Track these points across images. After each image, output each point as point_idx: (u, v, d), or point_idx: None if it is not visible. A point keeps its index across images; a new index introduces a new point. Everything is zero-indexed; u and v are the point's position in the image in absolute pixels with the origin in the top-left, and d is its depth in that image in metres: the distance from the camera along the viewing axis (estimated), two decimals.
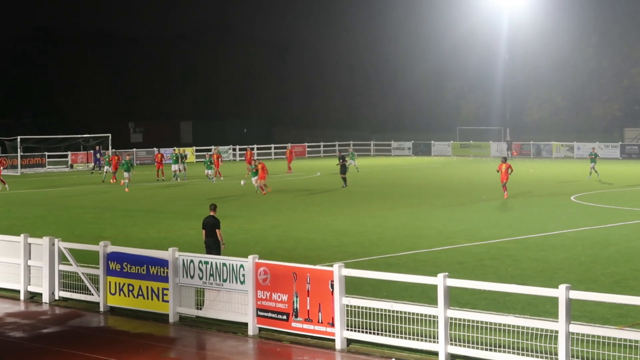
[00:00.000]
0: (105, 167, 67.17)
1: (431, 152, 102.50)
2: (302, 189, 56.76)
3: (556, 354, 15.76)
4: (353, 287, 18.98)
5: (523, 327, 16.39)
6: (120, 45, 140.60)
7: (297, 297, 18.75)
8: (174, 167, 66.44)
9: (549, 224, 36.67)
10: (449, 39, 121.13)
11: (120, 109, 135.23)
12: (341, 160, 57.49)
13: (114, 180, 63.33)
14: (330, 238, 33.19)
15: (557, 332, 15.78)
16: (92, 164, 79.13)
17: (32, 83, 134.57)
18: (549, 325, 16.03)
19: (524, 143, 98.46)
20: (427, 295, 18.98)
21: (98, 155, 78.39)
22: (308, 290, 18.62)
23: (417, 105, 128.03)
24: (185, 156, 69.50)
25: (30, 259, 23.60)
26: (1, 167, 60.13)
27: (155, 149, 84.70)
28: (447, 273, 17.39)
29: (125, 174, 57.25)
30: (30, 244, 23.70)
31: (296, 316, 18.76)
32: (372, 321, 17.90)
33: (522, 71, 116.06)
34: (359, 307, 18.07)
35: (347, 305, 18.18)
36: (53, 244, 23.20)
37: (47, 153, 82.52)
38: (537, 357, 16.00)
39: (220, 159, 66.66)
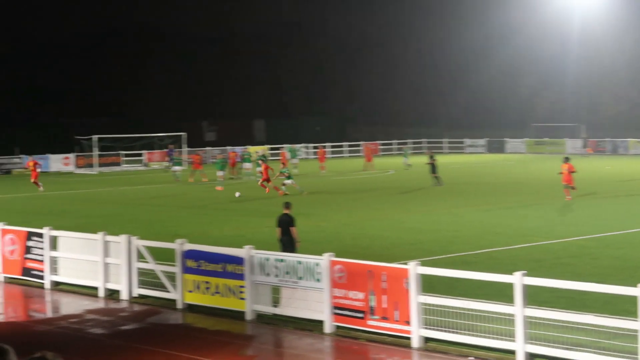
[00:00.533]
0: (175, 167, 66.30)
1: (505, 149, 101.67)
2: (376, 186, 56.65)
3: (636, 354, 15.53)
4: (429, 285, 18.90)
5: (602, 326, 16.18)
6: (194, 44, 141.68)
7: (372, 295, 18.73)
8: (247, 165, 66.63)
9: (628, 221, 36.13)
10: (521, 35, 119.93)
11: (194, 108, 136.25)
12: (431, 159, 56.34)
13: (192, 180, 63.23)
14: (405, 236, 33.10)
15: (636, 331, 15.56)
16: (168, 162, 79.74)
17: (108, 83, 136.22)
18: (628, 324, 15.81)
19: (600, 140, 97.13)
20: (504, 293, 18.82)
21: (172, 154, 79.09)
22: (384, 289, 18.58)
23: (490, 102, 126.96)
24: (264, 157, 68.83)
25: (108, 256, 23.91)
26: (37, 170, 59.10)
27: (229, 147, 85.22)
28: (524, 271, 17.24)
29: (219, 173, 57.05)
30: (108, 241, 24.01)
31: (372, 314, 18.74)
32: (448, 319, 17.81)
33: (597, 67, 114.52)
34: (435, 305, 18.00)
35: (423, 304, 18.11)
36: (130, 242, 23.48)
37: (122, 152, 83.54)
38: (616, 356, 15.78)
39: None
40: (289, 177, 52.30)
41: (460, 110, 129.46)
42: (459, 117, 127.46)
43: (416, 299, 18.07)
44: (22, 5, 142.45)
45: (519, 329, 16.81)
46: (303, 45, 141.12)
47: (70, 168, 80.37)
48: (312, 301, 19.78)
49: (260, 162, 53.85)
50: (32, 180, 58.03)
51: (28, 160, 64.58)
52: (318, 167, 71.53)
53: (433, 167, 55.52)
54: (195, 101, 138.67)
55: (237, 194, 50.27)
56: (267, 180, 51.88)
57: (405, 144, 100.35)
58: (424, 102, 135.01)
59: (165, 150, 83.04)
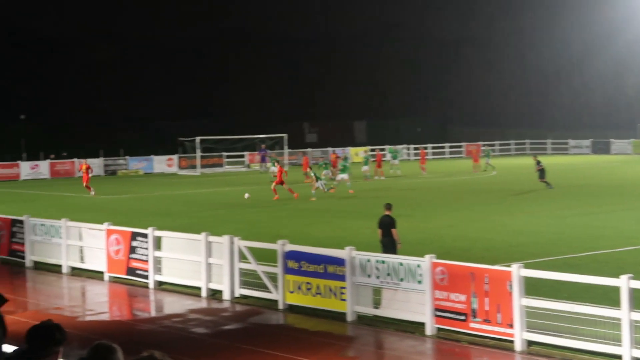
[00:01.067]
0: (273, 168, 66.58)
1: (610, 150, 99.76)
2: (478, 188, 56.18)
3: None
4: (532, 287, 18.64)
5: None
6: (295, 46, 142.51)
7: (475, 297, 18.56)
8: (364, 167, 66.57)
9: None
10: (628, 33, 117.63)
11: (296, 109, 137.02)
12: (538, 165, 55.06)
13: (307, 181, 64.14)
14: (507, 238, 32.74)
15: None
16: (263, 163, 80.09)
17: (211, 84, 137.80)
18: None
19: None
20: (608, 297, 18.47)
21: (263, 154, 79.52)
22: (486, 291, 18.40)
23: (595, 102, 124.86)
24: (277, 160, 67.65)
25: (211, 257, 24.14)
26: (90, 174, 57.57)
27: (329, 148, 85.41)
28: (631, 274, 16.89)
29: (345, 176, 55.74)
30: (210, 242, 24.25)
31: (474, 316, 18.57)
32: (552, 323, 17.54)
33: None
34: (538, 308, 17.74)
35: (527, 306, 17.87)
36: (233, 243, 23.67)
37: (224, 153, 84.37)
38: None
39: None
40: (317, 179, 52.12)
41: (564, 110, 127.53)
42: (563, 118, 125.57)
43: (519, 302, 17.84)
44: (124, 9, 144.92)
45: (626, 333, 16.46)
46: (403, 45, 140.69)
47: (174, 169, 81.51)
48: (414, 303, 19.69)
49: (275, 163, 52.10)
50: (84, 184, 56.82)
51: (81, 164, 63.26)
52: (419, 168, 71.30)
53: (542, 173, 54.32)
54: (296, 103, 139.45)
55: (246, 196, 49.81)
56: (281, 183, 50.51)
57: (492, 145, 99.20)
58: (526, 103, 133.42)
59: (264, 151, 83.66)
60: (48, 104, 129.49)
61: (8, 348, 9.84)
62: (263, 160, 78.82)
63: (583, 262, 26.68)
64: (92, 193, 55.82)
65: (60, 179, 74.41)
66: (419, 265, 19.59)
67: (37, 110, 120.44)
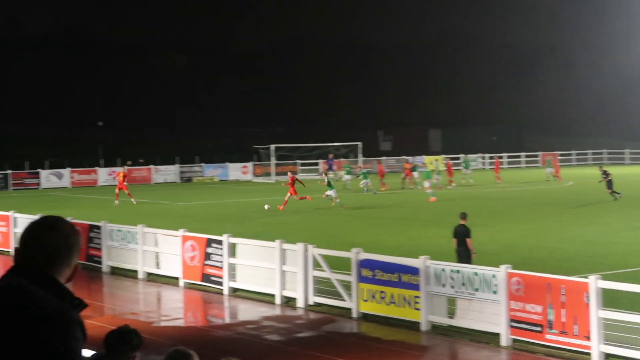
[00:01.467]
0: (346, 176, 67.58)
1: None
2: (554, 198, 55.52)
3: None
4: (609, 299, 18.33)
5: None
6: (369, 54, 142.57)
7: (551, 308, 18.32)
8: (415, 174, 66.38)
9: None
10: None
11: (371, 117, 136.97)
12: (605, 176, 54.06)
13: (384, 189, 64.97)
14: (584, 248, 32.28)
15: None
16: (327, 171, 79.84)
17: (285, 92, 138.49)
18: None
19: None
20: None
21: (331, 163, 79.46)
22: (562, 302, 18.15)
23: None
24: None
25: (285, 264, 24.19)
26: (124, 181, 56.02)
27: (404, 157, 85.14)
28: None
29: (426, 183, 56.25)
30: (285, 249, 24.29)
31: (550, 328, 18.33)
32: (630, 335, 17.23)
33: None
34: (617, 320, 17.45)
35: (604, 318, 17.59)
36: (307, 250, 23.68)
37: (299, 161, 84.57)
38: None
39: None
40: (330, 187, 51.73)
41: None
42: None
43: (596, 314, 17.56)
44: (221, 19, 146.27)
45: None
46: (480, 54, 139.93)
47: (248, 177, 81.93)
48: (489, 313, 19.50)
49: (288, 173, 51.02)
50: (117, 189, 55.71)
51: (118, 171, 61.35)
52: (494, 177, 70.75)
53: (609, 184, 53.42)
54: (371, 110, 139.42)
55: (266, 207, 48.89)
56: (294, 193, 49.78)
57: (568, 154, 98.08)
58: (604, 112, 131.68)
59: (341, 159, 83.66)
60: (125, 112, 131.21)
61: (86, 352, 9.94)
62: (330, 169, 78.81)
63: None
64: (116, 202, 54.46)
65: (137, 186, 75.19)
66: (494, 276, 19.41)
67: (115, 118, 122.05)
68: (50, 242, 4.27)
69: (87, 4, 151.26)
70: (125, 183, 56.01)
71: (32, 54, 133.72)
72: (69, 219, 4.53)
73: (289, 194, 50.28)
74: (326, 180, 52.45)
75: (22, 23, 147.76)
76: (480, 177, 74.75)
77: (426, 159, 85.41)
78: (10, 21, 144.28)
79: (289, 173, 55.12)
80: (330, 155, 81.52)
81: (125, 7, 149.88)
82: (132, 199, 54.80)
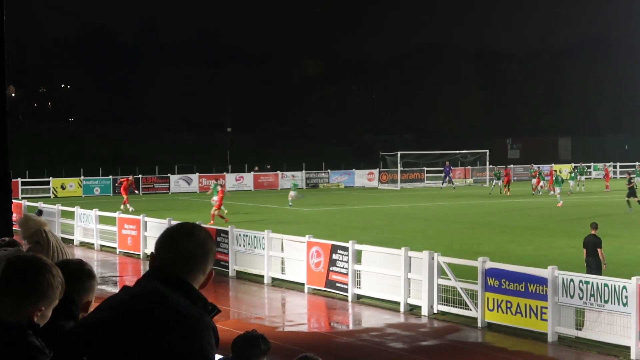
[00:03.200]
0: (495, 181, 70.57)
1: None
2: None
3: None
4: None
5: None
6: (498, 61, 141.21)
7: None
8: (571, 183, 66.79)
9: None
10: None
11: (498, 125, 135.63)
12: (629, 183, 53.00)
13: (508, 193, 66.27)
14: None
15: None
16: (445, 178, 79.19)
17: (413, 99, 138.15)
18: None
19: None
20: None
21: (448, 170, 78.86)
22: None
23: None
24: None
25: (410, 272, 24.09)
26: (125, 190, 54.26)
27: (533, 165, 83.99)
28: None
29: (557, 189, 56.96)
30: (410, 257, 24.19)
31: None
32: None
33: None
34: None
35: None
36: (432, 258, 23.53)
37: (425, 168, 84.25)
38: None
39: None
40: (295, 187, 53.75)
41: None
42: None
43: None
44: (334, 27, 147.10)
45: None
46: (612, 60, 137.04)
47: (374, 183, 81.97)
48: (618, 326, 19.05)
49: (219, 187, 47.44)
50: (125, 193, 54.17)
51: (124, 178, 58.28)
52: (604, 186, 71.02)
53: (631, 191, 52.26)
54: (499, 118, 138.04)
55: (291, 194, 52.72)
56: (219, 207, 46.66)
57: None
58: None
59: (468, 167, 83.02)
60: (254, 117, 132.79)
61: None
62: (447, 176, 78.16)
63: None
64: (130, 209, 51.89)
65: (264, 191, 76.10)
66: (624, 287, 18.95)
67: (243, 123, 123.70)
68: (186, 248, 4.33)
69: (222, 10, 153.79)
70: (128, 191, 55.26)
71: (166, 60, 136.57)
72: (198, 222, 4.60)
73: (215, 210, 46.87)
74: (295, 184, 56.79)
75: (157, 28, 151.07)
76: (612, 185, 73.14)
77: (555, 167, 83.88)
78: (146, 27, 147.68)
79: (219, 186, 51.88)
80: (447, 163, 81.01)
81: (258, 13, 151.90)
82: (129, 206, 52.92)
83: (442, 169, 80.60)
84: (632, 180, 54.00)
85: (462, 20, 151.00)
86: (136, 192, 65.09)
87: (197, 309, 4.23)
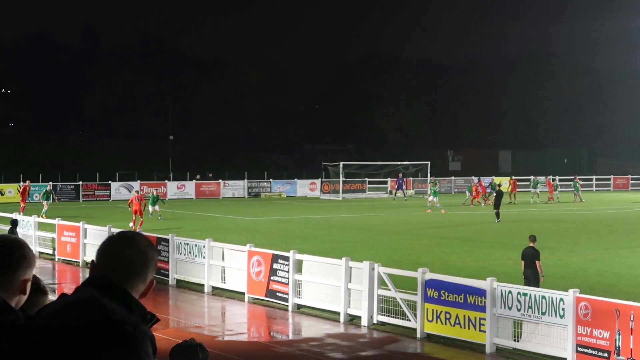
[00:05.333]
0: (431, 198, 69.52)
1: None
2: (625, 223, 54.78)
3: None
4: None
5: None
6: (441, 73, 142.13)
7: (619, 334, 18.04)
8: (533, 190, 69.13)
9: None
10: None
11: (440, 136, 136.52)
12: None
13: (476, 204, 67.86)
14: None
15: None
16: (396, 190, 79.56)
17: (355, 110, 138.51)
18: None
19: None
20: None
21: (401, 182, 79.18)
22: (631, 328, 17.86)
23: None
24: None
25: (350, 282, 24.15)
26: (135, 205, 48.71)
27: (474, 178, 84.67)
28: None
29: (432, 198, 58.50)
30: (351, 267, 24.26)
31: (618, 354, 18.05)
32: None
33: None
34: None
35: None
36: (373, 269, 23.62)
37: (367, 179, 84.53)
38: None
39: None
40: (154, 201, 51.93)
41: None
42: None
43: None
44: (274, 34, 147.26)
45: None
46: (552, 74, 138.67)
47: (316, 193, 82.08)
48: (555, 337, 19.28)
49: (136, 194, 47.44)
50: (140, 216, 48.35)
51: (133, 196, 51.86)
52: (547, 198, 72.71)
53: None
54: (441, 130, 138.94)
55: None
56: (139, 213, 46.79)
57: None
58: None
59: (409, 178, 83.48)
60: (196, 126, 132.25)
61: None
62: (400, 188, 78.36)
63: None
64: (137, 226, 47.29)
65: (205, 200, 75.85)
66: (562, 299, 19.19)
67: (186, 131, 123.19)
68: (126, 256, 4.31)
69: (164, 18, 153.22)
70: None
71: (108, 67, 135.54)
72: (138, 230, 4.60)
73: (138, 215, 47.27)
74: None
75: (100, 35, 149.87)
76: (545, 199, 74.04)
77: (495, 180, 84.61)
78: (88, 33, 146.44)
79: (135, 193, 50.85)
80: (400, 175, 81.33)
81: (201, 22, 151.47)
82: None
83: (396, 180, 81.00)
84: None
85: (405, 32, 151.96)
86: (56, 200, 64.31)
87: (135, 318, 4.21)
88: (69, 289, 28.42)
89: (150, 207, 52.92)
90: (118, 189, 75.01)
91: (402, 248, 39.74)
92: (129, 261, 4.31)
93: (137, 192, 54.79)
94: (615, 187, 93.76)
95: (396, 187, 78.65)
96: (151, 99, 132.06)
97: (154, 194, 55.38)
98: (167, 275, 30.46)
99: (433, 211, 60.77)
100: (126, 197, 72.70)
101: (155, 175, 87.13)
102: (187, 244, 30.20)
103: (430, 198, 63.20)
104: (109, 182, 76.41)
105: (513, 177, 79.25)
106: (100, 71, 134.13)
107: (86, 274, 4.93)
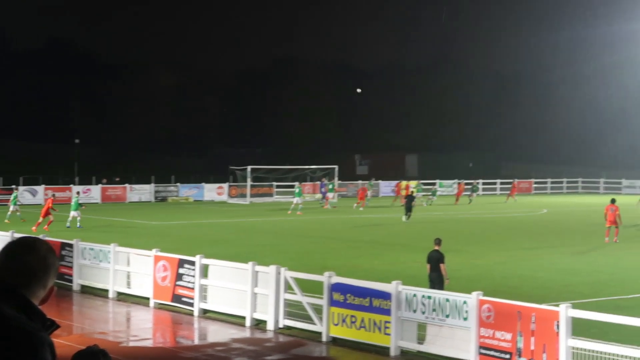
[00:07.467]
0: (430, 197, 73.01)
1: None
2: (528, 226, 55.73)
3: None
4: (579, 329, 18.37)
5: None
6: (349, 77, 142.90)
7: (521, 336, 18.34)
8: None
9: None
10: None
11: (348, 140, 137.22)
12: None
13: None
14: (557, 277, 32.37)
15: None
16: (320, 194, 79.95)
17: (265, 114, 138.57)
18: None
19: None
20: None
21: (323, 188, 79.43)
22: (532, 330, 18.18)
23: None
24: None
25: (257, 286, 24.12)
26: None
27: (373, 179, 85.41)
28: None
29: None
30: (257, 271, 24.23)
31: (519, 356, 18.34)
32: None
33: None
34: (586, 349, 17.47)
35: (573, 347, 17.61)
36: (279, 273, 23.63)
37: (275, 183, 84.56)
38: None
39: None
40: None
41: (619, 149, 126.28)
42: (617, 157, 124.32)
43: (566, 342, 17.59)
44: (185, 37, 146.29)
45: None
46: (459, 79, 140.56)
47: (224, 197, 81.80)
48: (458, 340, 19.50)
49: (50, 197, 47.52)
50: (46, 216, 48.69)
51: (50, 198, 52.84)
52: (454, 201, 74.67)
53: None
54: (349, 134, 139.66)
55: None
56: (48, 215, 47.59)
57: (544, 182, 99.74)
58: (581, 141, 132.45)
59: (317, 182, 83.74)
60: (103, 129, 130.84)
61: None
62: (323, 193, 78.33)
63: (634, 304, 26.28)
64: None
65: (111, 204, 75.05)
66: (465, 302, 19.42)
67: (92, 135, 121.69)
68: (26, 262, 4.25)
69: (72, 20, 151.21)
70: None
71: (15, 69, 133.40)
72: (41, 236, 4.50)
73: (47, 217, 47.66)
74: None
75: (9, 36, 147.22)
76: (445, 202, 74.95)
77: (402, 183, 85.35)
78: None
79: (50, 196, 50.59)
80: (324, 179, 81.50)
81: (111, 23, 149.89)
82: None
83: (318, 183, 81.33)
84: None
85: (315, 36, 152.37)
86: None
87: (33, 324, 4.16)
88: None
89: (71, 213, 51.40)
90: (22, 194, 73.64)
91: (310, 252, 39.83)
92: (29, 267, 4.26)
93: (53, 195, 54.16)
94: (519, 191, 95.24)
95: (321, 192, 78.85)
96: (58, 101, 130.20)
97: (77, 198, 53.78)
98: (71, 281, 30.03)
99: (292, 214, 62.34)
100: (31, 202, 71.58)
101: (60, 179, 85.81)
102: (92, 249, 29.82)
103: (295, 200, 64.93)
104: (13, 186, 75.03)
105: (460, 181, 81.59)
106: (7, 73, 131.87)
107: None
